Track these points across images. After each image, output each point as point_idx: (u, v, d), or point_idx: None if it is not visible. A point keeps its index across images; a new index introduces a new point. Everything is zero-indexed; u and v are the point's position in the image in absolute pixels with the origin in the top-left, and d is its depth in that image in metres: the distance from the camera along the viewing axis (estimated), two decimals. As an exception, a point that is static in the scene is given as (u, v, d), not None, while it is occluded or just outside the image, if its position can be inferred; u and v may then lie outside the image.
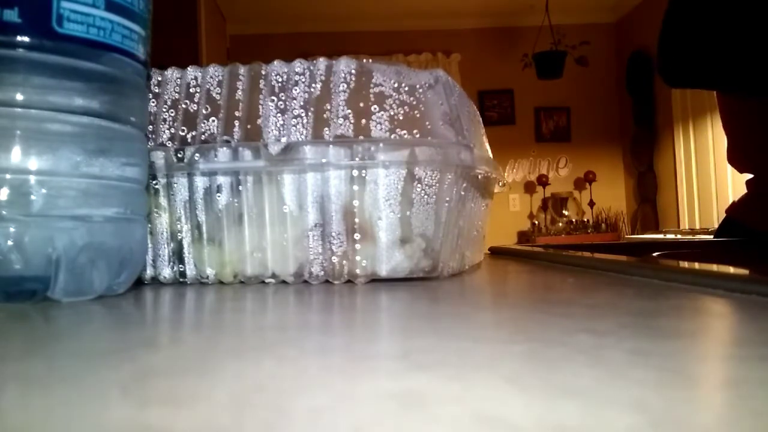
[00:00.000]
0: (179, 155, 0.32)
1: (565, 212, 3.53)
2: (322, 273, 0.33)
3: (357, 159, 0.31)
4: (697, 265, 0.31)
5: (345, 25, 3.56)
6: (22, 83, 0.24)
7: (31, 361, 0.15)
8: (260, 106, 0.34)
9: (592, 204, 3.51)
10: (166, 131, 0.34)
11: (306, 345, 0.17)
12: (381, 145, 0.31)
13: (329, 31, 3.55)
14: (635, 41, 3.40)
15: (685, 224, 3.06)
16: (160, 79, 0.36)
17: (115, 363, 0.15)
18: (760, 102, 0.72)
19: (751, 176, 0.80)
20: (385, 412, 0.11)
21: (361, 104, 0.33)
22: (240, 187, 0.33)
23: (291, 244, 0.33)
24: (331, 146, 0.31)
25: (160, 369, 0.14)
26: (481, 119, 0.45)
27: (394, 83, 0.33)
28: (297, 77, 0.34)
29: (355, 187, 0.32)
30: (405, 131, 0.32)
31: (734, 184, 2.62)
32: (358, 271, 0.32)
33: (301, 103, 0.33)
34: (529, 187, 3.65)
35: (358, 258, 0.32)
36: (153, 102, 0.35)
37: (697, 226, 2.91)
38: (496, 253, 0.61)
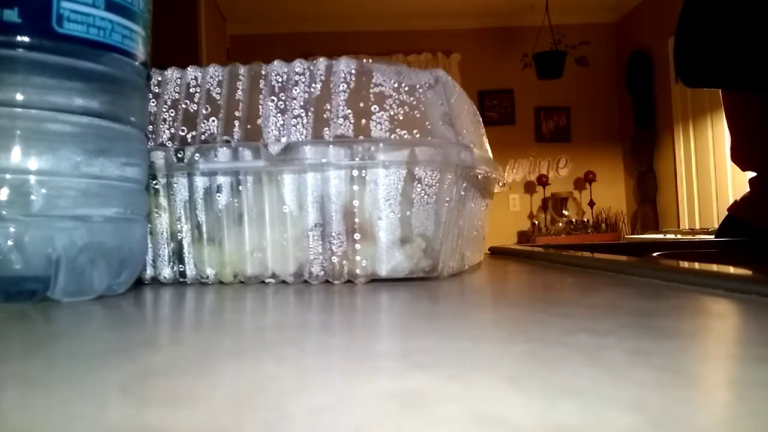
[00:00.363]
0: (179, 155, 0.32)
1: (565, 212, 3.53)
2: (322, 273, 0.33)
3: (357, 159, 0.31)
4: (697, 265, 0.31)
5: (345, 25, 3.56)
6: (22, 83, 0.24)
7: (31, 361, 0.15)
8: (260, 106, 0.34)
9: (592, 204, 3.51)
10: (166, 131, 0.34)
11: (306, 345, 0.17)
12: (381, 145, 0.31)
13: (329, 31, 3.55)
14: (635, 41, 3.40)
15: (685, 224, 3.06)
16: (160, 79, 0.36)
17: (115, 363, 0.15)
18: (766, 98, 0.72)
19: (753, 174, 0.80)
20: (385, 412, 0.11)
21: (361, 104, 0.33)
22: (240, 187, 0.33)
23: (291, 244, 0.33)
24: (331, 146, 0.31)
25: (160, 369, 0.14)
26: (481, 119, 0.45)
27: (394, 83, 0.33)
28: (297, 77, 0.34)
29: (355, 187, 0.32)
30: (405, 131, 0.32)
31: (734, 184, 2.62)
32: (358, 271, 0.32)
33: (301, 103, 0.33)
34: (529, 187, 3.65)
35: (358, 258, 0.32)
36: (153, 102, 0.35)
37: (697, 226, 2.91)
38: (496, 253, 0.61)
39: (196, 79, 0.35)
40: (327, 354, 0.16)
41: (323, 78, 0.34)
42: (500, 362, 0.14)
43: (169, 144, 0.34)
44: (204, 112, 0.34)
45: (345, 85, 0.33)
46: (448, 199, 0.33)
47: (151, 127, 0.34)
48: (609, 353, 0.15)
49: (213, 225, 0.33)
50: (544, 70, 3.23)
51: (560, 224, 3.45)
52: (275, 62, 0.35)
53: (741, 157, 0.81)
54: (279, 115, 0.33)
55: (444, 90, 0.33)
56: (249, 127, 0.33)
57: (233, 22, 3.51)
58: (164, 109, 0.35)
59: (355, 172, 0.32)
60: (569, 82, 3.41)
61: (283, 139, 0.33)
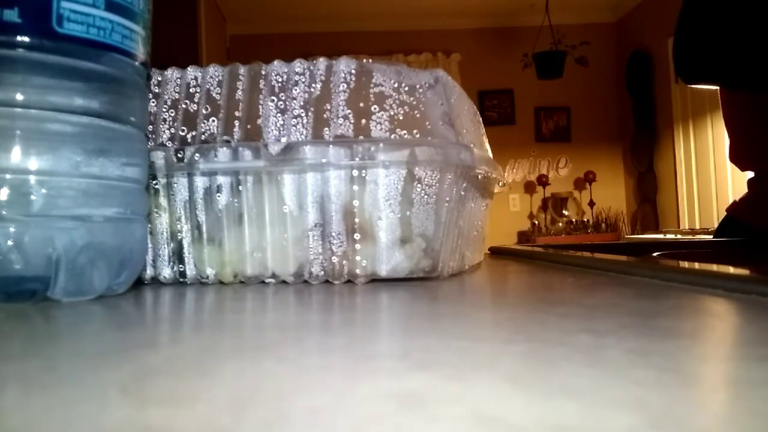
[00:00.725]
0: (179, 155, 0.32)
1: (565, 212, 3.53)
2: (322, 273, 0.33)
3: (357, 159, 0.31)
4: (697, 265, 0.31)
5: (345, 25, 3.56)
6: (22, 83, 0.24)
7: (31, 361, 0.15)
8: (260, 106, 0.34)
9: (592, 204, 3.51)
10: (166, 131, 0.34)
11: (306, 345, 0.17)
12: (381, 145, 0.31)
13: (329, 31, 3.55)
14: (635, 41, 3.40)
15: (685, 224, 3.06)
16: (160, 79, 0.36)
17: (115, 363, 0.15)
18: (766, 98, 0.72)
19: (752, 175, 0.80)
20: (384, 412, 0.11)
21: (361, 104, 0.33)
22: (240, 187, 0.33)
23: (291, 244, 0.33)
24: (331, 146, 0.31)
25: (159, 369, 0.14)
26: (481, 119, 0.45)
27: (394, 83, 0.33)
28: (297, 77, 0.34)
29: (355, 187, 0.32)
30: (405, 131, 0.32)
31: (734, 184, 2.62)
32: (358, 271, 0.32)
33: (301, 103, 0.33)
34: (529, 187, 3.65)
35: (358, 258, 0.32)
36: (153, 102, 0.35)
37: (697, 226, 2.91)
38: (496, 253, 0.61)
39: (196, 79, 0.35)
40: (327, 354, 0.16)
41: (323, 78, 0.34)
42: (500, 362, 0.14)
43: (169, 144, 0.34)
44: (204, 112, 0.34)
45: (345, 85, 0.33)
46: (448, 199, 0.33)
47: (151, 127, 0.34)
48: (609, 353, 0.15)
49: (213, 225, 0.33)
50: (544, 70, 3.23)
51: (560, 224, 3.45)
52: (275, 62, 0.35)
53: (740, 157, 0.81)
54: (279, 115, 0.33)
55: (444, 90, 0.33)
56: (249, 127, 0.33)
57: (233, 22, 3.51)
58: (164, 109, 0.35)
59: (355, 172, 0.32)
60: (569, 82, 3.41)
61: (283, 139, 0.33)
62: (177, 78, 0.35)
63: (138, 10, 0.28)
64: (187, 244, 0.34)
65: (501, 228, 3.48)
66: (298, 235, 0.33)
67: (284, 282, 0.34)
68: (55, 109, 0.25)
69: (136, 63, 0.28)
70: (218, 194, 0.33)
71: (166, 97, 0.35)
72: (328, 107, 0.33)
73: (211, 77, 0.35)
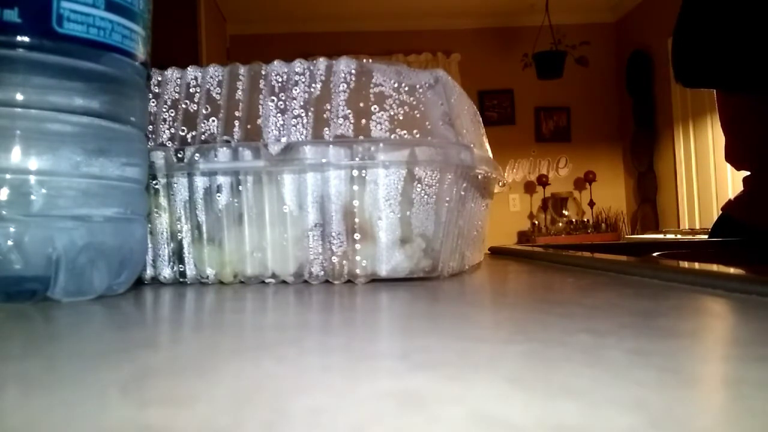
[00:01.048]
0: (179, 155, 0.32)
1: (565, 212, 3.53)
2: (322, 273, 0.33)
3: (357, 159, 0.31)
4: (697, 265, 0.31)
5: (345, 25, 3.56)
6: (22, 83, 0.24)
7: (31, 361, 0.15)
8: (260, 106, 0.34)
9: (592, 204, 3.51)
10: (166, 131, 0.34)
11: (306, 345, 0.17)
12: (381, 145, 0.31)
13: (329, 31, 3.55)
14: (635, 41, 3.40)
15: (685, 224, 3.06)
16: (160, 79, 0.36)
17: (115, 363, 0.15)
18: (762, 98, 0.72)
19: (747, 173, 0.80)
20: (385, 412, 0.11)
21: (361, 104, 0.33)
22: (240, 187, 0.33)
23: (291, 244, 0.33)
24: (331, 146, 0.31)
25: (159, 369, 0.14)
26: (481, 119, 0.45)
27: (394, 83, 0.33)
28: (297, 77, 0.34)
29: (355, 187, 0.32)
30: (405, 131, 0.32)
31: (734, 184, 2.62)
32: (358, 271, 0.32)
33: (301, 103, 0.33)
34: (529, 187, 3.65)
35: (358, 258, 0.32)
36: (153, 102, 0.35)
37: (697, 226, 2.91)
38: (496, 253, 0.61)
39: (196, 79, 0.35)
40: (327, 354, 0.16)
41: (323, 78, 0.34)
42: (500, 362, 0.14)
43: (169, 144, 0.34)
44: (204, 112, 0.34)
45: (345, 85, 0.33)
46: (448, 199, 0.33)
47: (151, 127, 0.34)
48: (609, 353, 0.15)
49: (213, 225, 0.33)
50: (544, 70, 3.23)
51: (560, 224, 3.45)
52: (275, 62, 0.35)
53: (735, 157, 0.81)
54: (279, 115, 0.33)
55: (444, 90, 0.33)
56: (249, 127, 0.33)
57: (233, 22, 3.51)
58: (164, 109, 0.35)
59: (355, 172, 0.32)
60: (569, 82, 3.41)
61: (283, 139, 0.33)
62: (177, 78, 0.35)
63: (138, 10, 0.28)
64: (187, 244, 0.34)
65: (501, 228, 3.48)
66: (298, 235, 0.33)
67: (284, 282, 0.34)
68: (55, 109, 0.25)
69: (136, 63, 0.28)
70: (218, 194, 0.33)
71: (166, 97, 0.35)
72: (328, 107, 0.33)
73: (211, 77, 0.35)
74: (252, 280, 0.34)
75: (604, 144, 3.67)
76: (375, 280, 0.33)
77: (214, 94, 0.35)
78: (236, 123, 0.34)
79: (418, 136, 0.32)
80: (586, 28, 3.52)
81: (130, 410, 0.11)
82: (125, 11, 0.27)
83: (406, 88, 0.33)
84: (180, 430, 0.10)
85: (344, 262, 0.32)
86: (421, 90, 0.33)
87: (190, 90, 0.35)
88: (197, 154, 0.32)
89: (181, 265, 0.34)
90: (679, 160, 3.11)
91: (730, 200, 0.83)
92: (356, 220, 0.32)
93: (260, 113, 0.34)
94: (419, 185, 0.32)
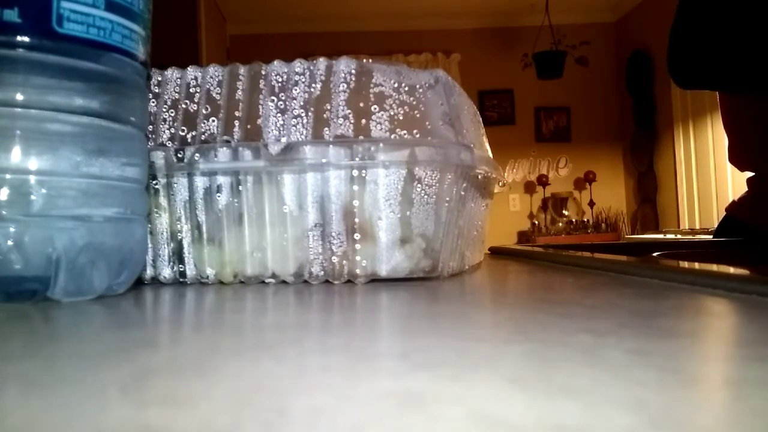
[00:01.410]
0: (179, 155, 0.32)
1: (565, 212, 3.53)
2: (322, 273, 0.33)
3: (357, 159, 0.31)
4: (697, 265, 0.31)
5: (345, 25, 3.56)
6: (22, 83, 0.24)
7: (31, 361, 0.15)
8: (260, 106, 0.34)
9: (592, 204, 3.51)
10: (166, 131, 0.34)
11: (306, 345, 0.17)
12: (381, 145, 0.31)
13: (329, 31, 3.55)
14: (635, 41, 3.40)
15: (685, 224, 3.06)
16: (160, 79, 0.36)
17: (115, 363, 0.15)
18: (764, 99, 0.72)
19: (751, 174, 0.80)
20: (385, 412, 0.11)
21: (361, 104, 0.33)
22: (240, 187, 0.33)
23: (291, 244, 0.33)
24: (331, 146, 0.31)
25: (159, 369, 0.14)
26: (481, 119, 0.45)
27: (394, 83, 0.33)
28: (297, 77, 0.34)
29: (355, 187, 0.32)
30: (405, 131, 0.32)
31: (734, 184, 2.62)
32: (358, 271, 0.32)
33: (301, 103, 0.33)
34: (529, 187, 3.65)
35: (358, 258, 0.32)
36: (153, 102, 0.35)
37: (697, 226, 2.91)
38: (496, 253, 0.61)
39: (196, 79, 0.35)
40: (327, 354, 0.16)
41: (323, 78, 0.34)
42: (500, 362, 0.14)
43: (169, 144, 0.34)
44: (204, 112, 0.34)
45: (345, 85, 0.33)
46: (448, 199, 0.33)
47: (151, 127, 0.34)
48: (609, 353, 0.15)
49: (213, 225, 0.33)
50: (544, 70, 3.23)
51: (560, 224, 3.45)
52: (275, 62, 0.35)
53: (739, 158, 0.81)
54: (279, 115, 0.33)
55: (444, 90, 0.33)
56: (249, 127, 0.33)
57: (233, 22, 3.51)
58: (164, 109, 0.35)
59: (355, 172, 0.32)
60: (569, 82, 3.41)
61: (283, 139, 0.33)
62: (177, 78, 0.35)
63: (138, 10, 0.28)
64: (187, 244, 0.34)
65: (501, 228, 3.48)
66: (298, 235, 0.33)
67: (284, 282, 0.34)
68: (55, 109, 0.25)
69: (136, 63, 0.28)
70: (218, 194, 0.33)
71: (166, 97, 0.35)
72: (328, 107, 0.33)
73: (211, 77, 0.35)
74: (252, 280, 0.34)
75: (604, 144, 3.67)
76: (375, 280, 0.33)
77: (214, 94, 0.35)
78: (236, 123, 0.34)
79: (418, 136, 0.32)
80: (586, 28, 3.52)
81: (130, 410, 0.11)
82: (125, 11, 0.27)
83: (406, 88, 0.33)
84: (180, 430, 0.10)
85: (344, 262, 0.32)
86: (421, 90, 0.33)
87: (190, 90, 0.35)
88: (197, 154, 0.32)
89: (181, 265, 0.34)
90: (679, 160, 3.11)
91: (733, 201, 0.83)
92: (356, 220, 0.32)
93: (260, 113, 0.34)
94: (419, 185, 0.32)
